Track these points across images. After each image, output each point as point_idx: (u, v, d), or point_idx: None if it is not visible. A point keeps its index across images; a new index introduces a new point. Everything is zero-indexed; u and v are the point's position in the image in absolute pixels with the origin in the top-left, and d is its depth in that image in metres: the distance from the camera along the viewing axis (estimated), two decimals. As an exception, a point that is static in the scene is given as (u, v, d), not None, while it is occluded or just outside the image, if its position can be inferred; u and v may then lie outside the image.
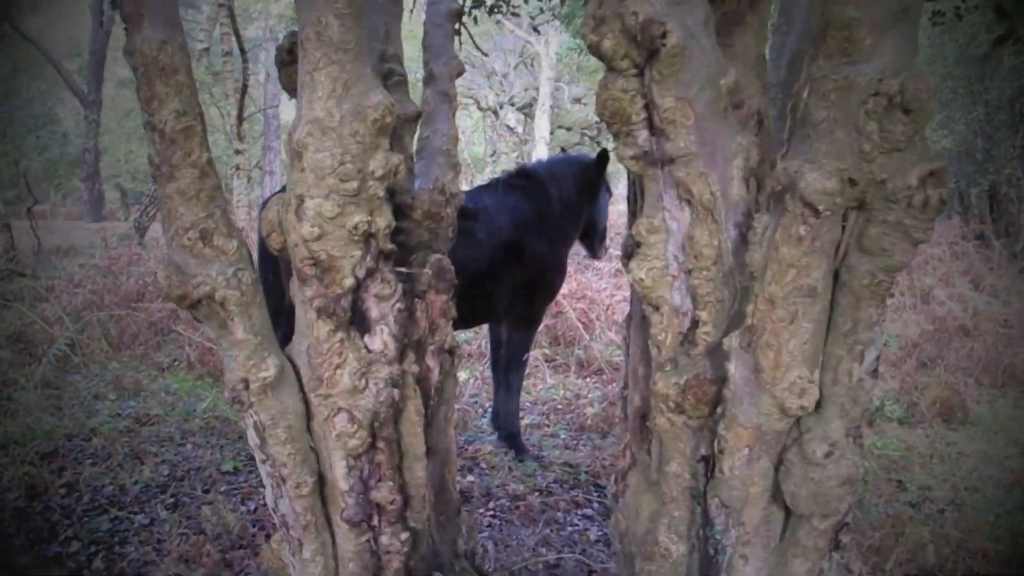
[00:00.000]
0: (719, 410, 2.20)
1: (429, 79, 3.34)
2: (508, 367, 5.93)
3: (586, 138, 27.25)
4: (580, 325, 9.00)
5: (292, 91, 2.56)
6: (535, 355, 7.98)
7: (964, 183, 21.97)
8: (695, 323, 2.32)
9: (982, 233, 16.59)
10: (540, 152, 23.65)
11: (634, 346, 2.72)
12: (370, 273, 2.41)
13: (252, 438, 2.43)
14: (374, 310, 2.43)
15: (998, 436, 7.02)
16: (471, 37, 5.88)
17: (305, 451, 2.44)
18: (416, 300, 2.72)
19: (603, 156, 5.85)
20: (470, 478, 5.41)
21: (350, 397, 2.41)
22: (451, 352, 2.92)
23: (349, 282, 2.35)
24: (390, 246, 2.46)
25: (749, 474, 2.13)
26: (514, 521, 4.78)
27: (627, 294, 10.42)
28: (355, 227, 2.32)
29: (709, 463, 2.27)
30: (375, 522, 2.52)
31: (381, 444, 2.47)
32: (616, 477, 2.74)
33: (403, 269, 2.58)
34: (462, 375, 8.00)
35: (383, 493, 2.48)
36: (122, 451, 5.67)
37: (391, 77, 2.76)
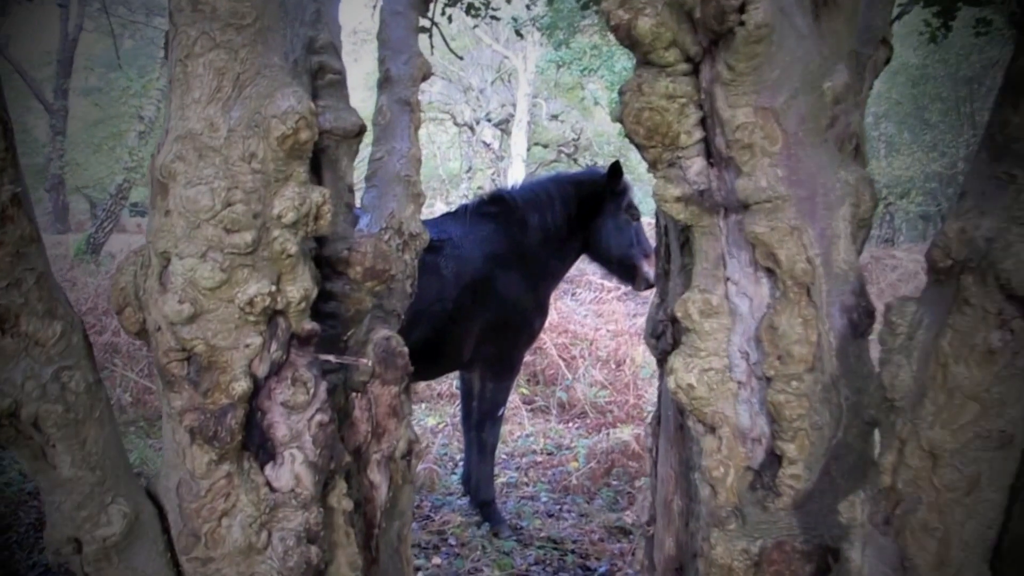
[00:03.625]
0: (824, 610, 1.38)
1: (385, 82, 2.52)
2: (481, 424, 5.09)
3: (563, 155, 26.60)
4: (561, 362, 8.18)
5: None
6: (511, 397, 7.16)
7: (947, 207, 21.47)
8: (775, 457, 1.51)
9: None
10: (517, 169, 22.94)
11: (665, 465, 1.90)
12: (276, 370, 1.58)
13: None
14: (281, 427, 1.59)
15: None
16: (444, 38, 5.03)
17: (172, 645, 1.59)
18: (353, 395, 1.89)
19: (614, 170, 4.92)
20: (436, 560, 4.56)
21: (243, 562, 1.56)
22: (407, 456, 2.09)
23: (241, 387, 1.51)
24: (309, 326, 1.63)
25: None
26: (488, 623, 3.94)
27: (612, 327, 9.62)
28: (250, 302, 1.48)
29: None
30: None
31: (292, 627, 1.63)
32: (637, 651, 1.91)
33: (331, 357, 1.74)
34: (429, 421, 7.16)
35: None
36: (26, 520, 4.77)
37: (322, 75, 1.93)
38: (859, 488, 1.31)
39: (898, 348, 1.25)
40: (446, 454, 6.41)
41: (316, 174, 1.93)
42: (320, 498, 1.66)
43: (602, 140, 25.88)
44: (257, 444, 1.58)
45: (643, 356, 8.27)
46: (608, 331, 9.22)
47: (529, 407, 7.56)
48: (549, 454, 6.48)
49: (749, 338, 1.51)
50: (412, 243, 2.32)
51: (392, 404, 1.93)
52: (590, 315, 10.56)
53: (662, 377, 1.96)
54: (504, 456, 6.38)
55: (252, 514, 1.56)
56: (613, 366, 8.30)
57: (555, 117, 27.79)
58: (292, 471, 1.59)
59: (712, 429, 1.56)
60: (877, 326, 1.52)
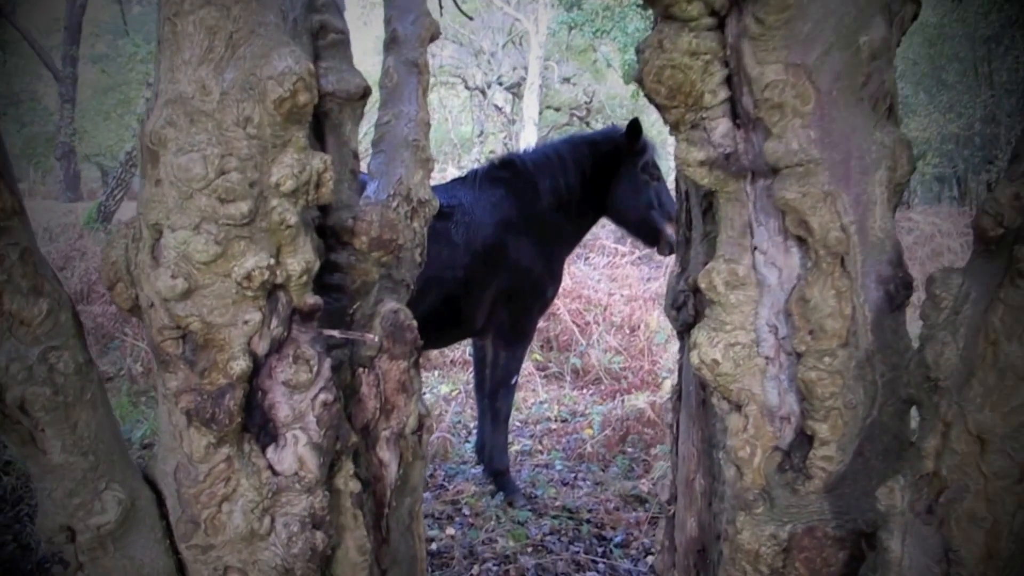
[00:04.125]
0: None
1: (392, 43, 2.42)
2: (495, 392, 5.01)
3: (575, 119, 26.37)
4: (575, 328, 8.10)
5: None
6: (525, 364, 7.07)
7: (963, 169, 21.18)
8: (805, 437, 1.42)
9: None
10: (529, 133, 22.75)
11: (686, 442, 1.82)
12: (277, 347, 1.49)
13: (87, 615, 1.51)
14: (283, 407, 1.51)
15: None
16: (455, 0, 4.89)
17: (172, 635, 1.52)
18: (360, 371, 1.81)
19: (632, 128, 4.75)
20: (450, 531, 4.51)
21: (244, 548, 1.49)
22: (418, 431, 2.02)
23: (240, 366, 1.43)
24: (311, 300, 1.54)
25: None
26: (503, 594, 3.89)
27: (626, 292, 9.52)
28: (248, 276, 1.40)
29: None
30: None
31: (297, 614, 1.56)
32: (657, 634, 1.84)
33: (335, 333, 1.66)
34: (443, 388, 7.11)
35: None
36: (36, 493, 4.73)
37: (324, 35, 1.83)
38: (895, 471, 1.23)
39: (942, 324, 1.16)
40: (459, 422, 6.35)
41: (319, 140, 1.84)
42: (326, 481, 1.58)
43: (615, 103, 25.63)
44: (258, 426, 1.50)
45: (657, 321, 8.18)
46: (622, 296, 9.11)
47: (543, 373, 7.49)
48: (563, 421, 6.42)
49: (778, 311, 1.42)
50: (421, 210, 2.23)
51: (401, 379, 1.85)
52: (603, 280, 10.45)
53: (683, 350, 1.87)
54: (518, 423, 6.32)
55: (254, 499, 1.48)
56: (627, 331, 8.21)
57: (567, 80, 27.51)
58: (295, 453, 1.51)
59: (738, 407, 1.47)
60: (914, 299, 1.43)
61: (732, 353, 1.44)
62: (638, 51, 1.50)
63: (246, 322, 1.43)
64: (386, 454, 1.93)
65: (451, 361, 7.69)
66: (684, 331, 1.80)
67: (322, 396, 1.53)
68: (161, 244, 1.38)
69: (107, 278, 1.47)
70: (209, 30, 1.35)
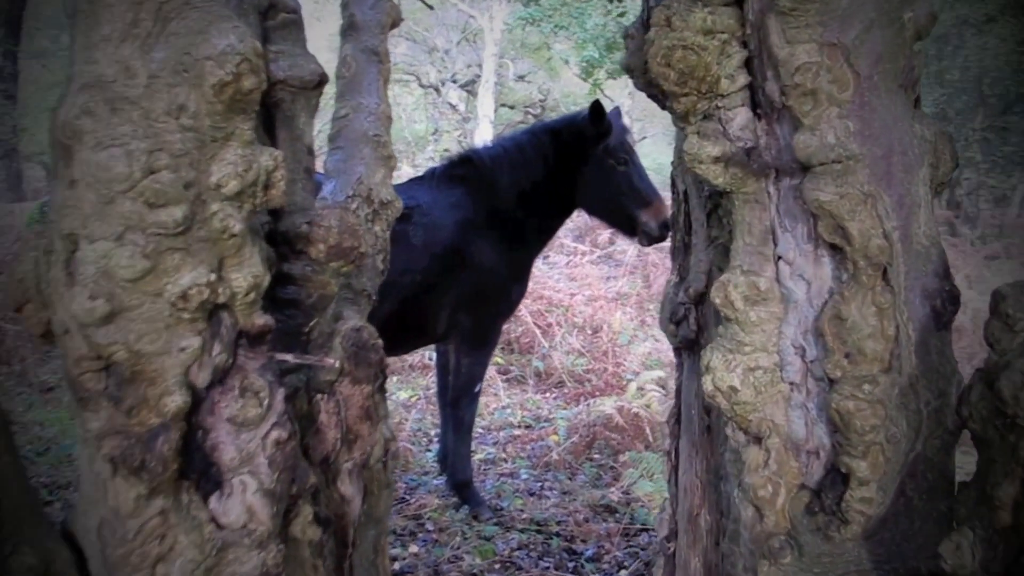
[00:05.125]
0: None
1: (350, 30, 2.21)
2: (457, 400, 4.80)
3: (530, 117, 26.24)
4: (537, 330, 7.90)
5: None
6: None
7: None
8: (838, 474, 1.23)
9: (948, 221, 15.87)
10: (484, 131, 22.58)
11: (688, 473, 1.62)
12: (221, 377, 1.27)
13: None
14: (228, 448, 1.28)
15: None
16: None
17: None
18: (319, 398, 1.59)
19: (595, 110, 4.42)
20: (413, 549, 4.28)
21: (183, 616, 1.27)
22: (383, 457, 1.81)
23: (175, 402, 1.20)
24: (261, 321, 1.32)
25: None
26: (471, 617, 3.68)
27: (588, 292, 9.34)
28: (183, 296, 1.17)
29: None
30: None
31: None
32: None
33: (289, 357, 1.44)
34: (402, 394, 6.87)
35: None
36: None
37: (274, 15, 1.61)
38: (942, 512, 1.04)
39: (1018, 349, 0.97)
40: (420, 429, 6.12)
41: (268, 134, 1.62)
42: (280, 531, 1.36)
43: (569, 101, 25.53)
44: (198, 471, 1.27)
45: (620, 322, 8.04)
46: (584, 296, 8.94)
47: (505, 377, 7.29)
48: (527, 427, 6.23)
49: (806, 331, 1.23)
50: (383, 212, 2.03)
51: (365, 405, 1.63)
52: (563, 279, 10.27)
53: (682, 368, 1.68)
54: (481, 430, 6.11)
55: (194, 558, 1.26)
56: (589, 332, 8.05)
57: (522, 78, 27.38)
58: (243, 502, 1.29)
59: (758, 439, 1.28)
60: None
61: (752, 378, 1.25)
62: (627, 36, 1.31)
63: (182, 349, 1.21)
64: (348, 488, 1.71)
65: (410, 366, 7.45)
66: (684, 347, 1.60)
67: (274, 433, 1.31)
68: (77, 258, 1.16)
69: (13, 298, 1.24)
70: (134, 2, 1.13)
